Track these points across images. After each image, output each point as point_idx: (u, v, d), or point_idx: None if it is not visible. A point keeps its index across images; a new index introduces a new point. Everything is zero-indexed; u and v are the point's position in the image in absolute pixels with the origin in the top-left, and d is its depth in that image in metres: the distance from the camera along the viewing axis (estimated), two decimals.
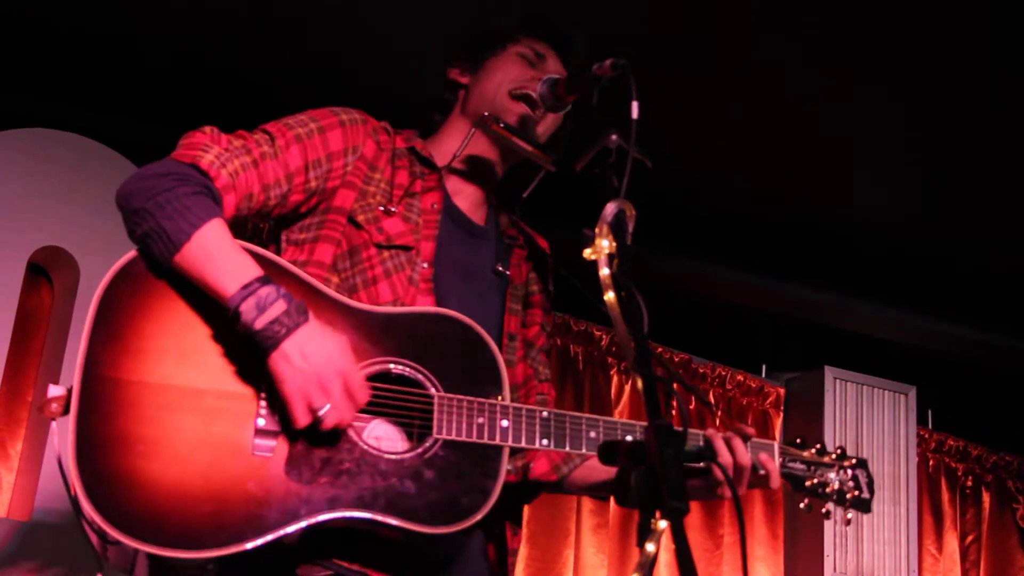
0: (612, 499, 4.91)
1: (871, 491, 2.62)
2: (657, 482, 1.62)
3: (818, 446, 2.62)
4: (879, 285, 5.48)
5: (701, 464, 2.37)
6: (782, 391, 5.53)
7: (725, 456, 2.38)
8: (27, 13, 4.18)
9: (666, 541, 1.58)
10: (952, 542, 5.87)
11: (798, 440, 2.61)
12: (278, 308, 2.07)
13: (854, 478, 2.61)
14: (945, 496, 5.91)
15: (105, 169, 4.36)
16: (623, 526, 5.14)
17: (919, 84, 4.34)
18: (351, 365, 2.11)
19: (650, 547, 1.60)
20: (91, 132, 4.38)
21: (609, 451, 2.51)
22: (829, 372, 5.31)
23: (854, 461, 2.63)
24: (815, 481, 2.58)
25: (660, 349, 5.34)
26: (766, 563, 5.43)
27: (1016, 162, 4.69)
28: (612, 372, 5.34)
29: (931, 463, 5.90)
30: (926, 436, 5.86)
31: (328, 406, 2.08)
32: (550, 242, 2.72)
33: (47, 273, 4.39)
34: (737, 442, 2.40)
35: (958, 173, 4.85)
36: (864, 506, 2.61)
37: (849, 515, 2.60)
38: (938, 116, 4.50)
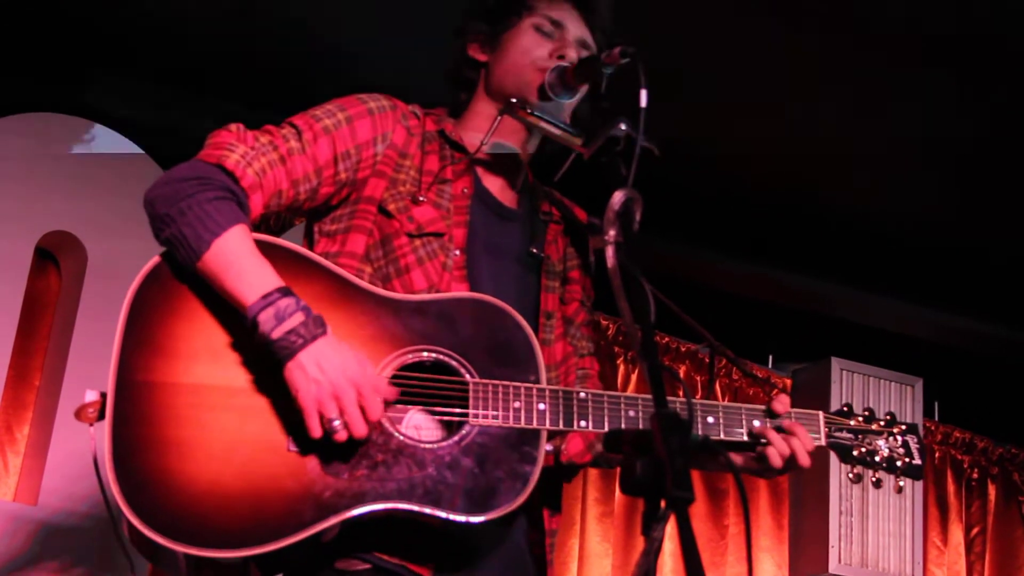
0: (618, 488, 4.93)
1: (923, 457, 2.53)
2: (662, 471, 1.62)
3: (866, 413, 2.53)
4: (887, 277, 5.47)
5: (747, 439, 2.37)
6: (789, 382, 5.52)
7: (782, 447, 2.35)
8: None
9: (671, 531, 1.57)
10: (957, 534, 5.86)
11: (844, 408, 2.53)
12: (296, 319, 2.07)
13: (904, 444, 2.52)
14: (951, 488, 5.90)
15: (113, 154, 4.37)
16: (628, 515, 5.14)
17: (923, 77, 4.33)
18: (366, 378, 2.10)
19: (655, 536, 1.60)
20: (99, 117, 4.38)
21: (614, 439, 2.52)
22: (836, 363, 5.29)
23: (904, 427, 2.55)
24: (864, 450, 2.49)
25: (667, 339, 5.35)
26: (771, 553, 5.43)
27: None
28: (619, 361, 5.34)
29: (937, 455, 5.89)
30: (932, 428, 5.85)
31: (338, 420, 2.07)
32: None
33: (55, 258, 4.40)
34: (795, 440, 2.37)
35: (966, 165, 4.84)
36: (916, 473, 2.52)
37: (901, 483, 2.53)
38: (945, 110, 4.49)
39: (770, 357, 5.64)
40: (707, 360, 5.46)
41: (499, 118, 2.47)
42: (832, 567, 5.08)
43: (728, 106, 4.59)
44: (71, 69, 4.33)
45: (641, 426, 2.27)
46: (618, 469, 2.02)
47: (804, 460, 2.37)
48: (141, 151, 4.39)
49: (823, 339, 5.48)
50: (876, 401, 5.30)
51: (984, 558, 5.92)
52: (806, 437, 2.38)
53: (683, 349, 5.42)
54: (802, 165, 4.89)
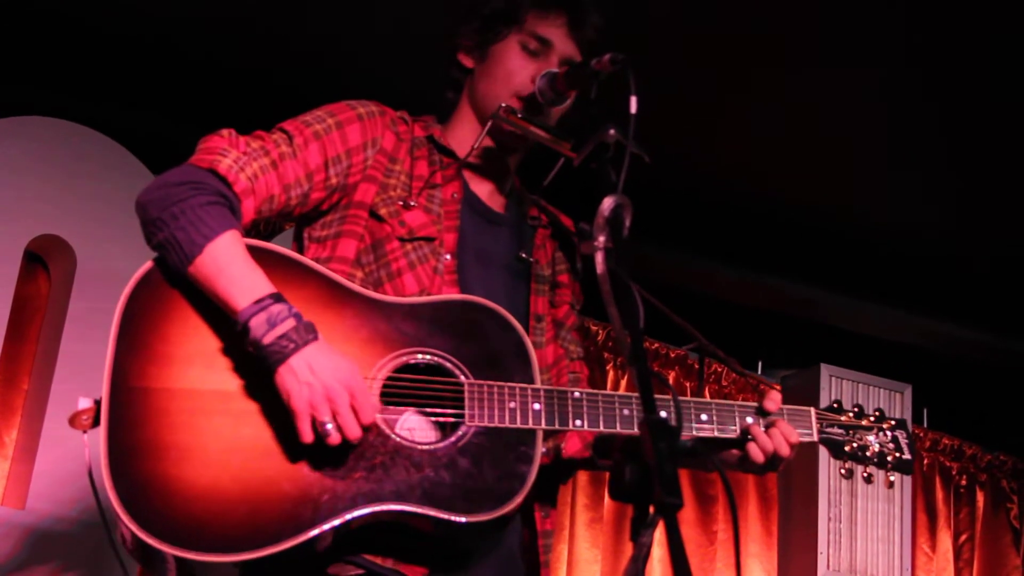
0: (607, 494, 4.93)
1: (912, 452, 2.58)
2: (651, 477, 1.62)
3: (855, 409, 2.58)
4: (876, 283, 5.48)
5: (736, 436, 2.39)
6: (778, 388, 5.53)
7: (764, 443, 2.38)
8: (27, 2, 4.17)
9: (660, 536, 1.58)
10: (946, 541, 5.88)
11: (834, 404, 2.58)
12: (287, 325, 2.07)
13: (894, 439, 2.57)
14: (939, 495, 5.92)
15: (102, 158, 4.37)
16: (617, 521, 5.14)
17: (917, 85, 4.35)
18: (358, 381, 2.10)
19: (644, 542, 1.60)
20: (89, 121, 4.38)
21: (604, 445, 2.53)
22: (825, 370, 5.31)
23: (893, 422, 2.59)
24: (855, 445, 2.54)
25: (656, 345, 5.35)
26: (759, 559, 5.44)
27: (1014, 162, 4.69)
28: (608, 367, 5.35)
29: (926, 462, 5.91)
30: (921, 434, 5.86)
31: (331, 423, 2.07)
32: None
33: (44, 261, 4.39)
34: (776, 432, 2.40)
35: (956, 173, 4.86)
36: (906, 467, 2.57)
37: (892, 478, 2.56)
38: (936, 116, 4.51)
39: (759, 363, 5.65)
40: (696, 365, 5.47)
41: (488, 123, 2.47)
42: (821, 573, 5.09)
43: (721, 112, 4.60)
44: (63, 73, 4.32)
45: (635, 425, 2.27)
46: (607, 475, 2.03)
47: (784, 451, 2.40)
48: (131, 155, 4.39)
49: (812, 345, 5.50)
50: (865, 407, 5.31)
51: (972, 564, 5.94)
52: (788, 429, 2.41)
53: (672, 355, 5.42)
54: (792, 172, 4.90)
